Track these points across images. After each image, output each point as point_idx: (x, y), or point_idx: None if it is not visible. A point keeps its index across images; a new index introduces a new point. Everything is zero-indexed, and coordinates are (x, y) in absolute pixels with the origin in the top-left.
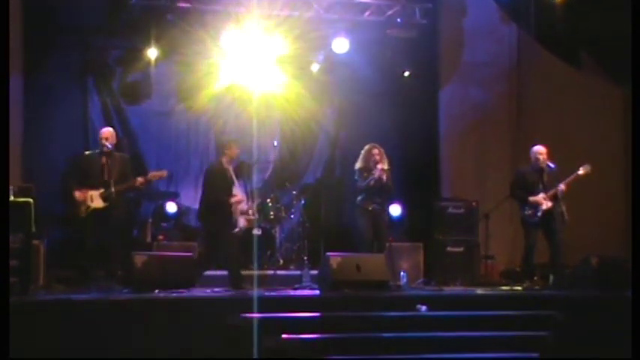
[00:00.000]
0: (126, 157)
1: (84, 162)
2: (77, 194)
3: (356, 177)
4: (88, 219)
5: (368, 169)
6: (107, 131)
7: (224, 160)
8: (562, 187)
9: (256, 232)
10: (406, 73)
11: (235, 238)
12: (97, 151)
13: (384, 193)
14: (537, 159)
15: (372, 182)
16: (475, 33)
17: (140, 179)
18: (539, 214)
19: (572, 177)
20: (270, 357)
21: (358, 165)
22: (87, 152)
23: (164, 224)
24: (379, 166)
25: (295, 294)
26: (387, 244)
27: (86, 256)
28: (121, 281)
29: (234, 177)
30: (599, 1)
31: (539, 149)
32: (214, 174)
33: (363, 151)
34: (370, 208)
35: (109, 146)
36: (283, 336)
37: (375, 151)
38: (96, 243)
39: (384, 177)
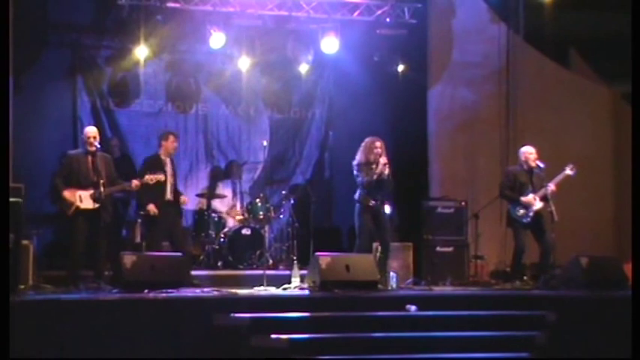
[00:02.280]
0: (109, 157)
1: (72, 162)
2: (66, 194)
3: (355, 172)
4: (77, 219)
5: (369, 163)
6: (94, 130)
7: (161, 151)
8: (552, 187)
9: (245, 232)
10: (400, 68)
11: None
12: (81, 150)
13: (384, 188)
14: (527, 159)
15: (374, 177)
16: (464, 33)
17: (136, 182)
18: (531, 214)
19: (560, 177)
20: (259, 357)
21: (358, 159)
22: (72, 152)
23: None
24: (382, 160)
25: (284, 294)
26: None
27: (74, 257)
28: (110, 281)
29: (169, 170)
30: (588, 0)
31: (529, 150)
32: (146, 162)
33: (363, 144)
34: (371, 204)
35: (98, 146)
36: (272, 336)
37: (378, 143)
38: (84, 243)
39: (386, 171)
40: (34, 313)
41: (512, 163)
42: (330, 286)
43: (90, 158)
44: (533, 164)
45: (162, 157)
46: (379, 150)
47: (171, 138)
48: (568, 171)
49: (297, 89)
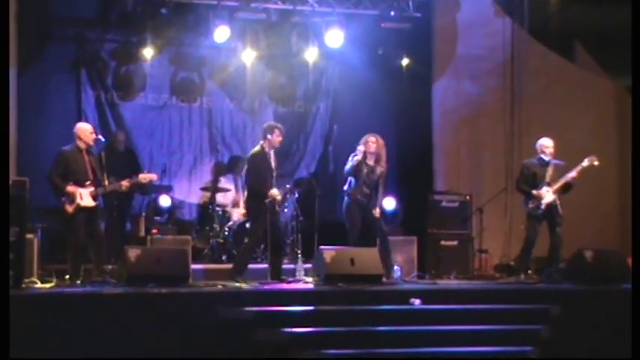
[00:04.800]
0: (97, 154)
1: (67, 159)
2: (70, 189)
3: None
4: (77, 217)
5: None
6: (92, 127)
7: (265, 144)
8: (573, 174)
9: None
10: (404, 62)
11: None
12: (75, 147)
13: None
14: (544, 152)
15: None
16: (469, 26)
17: (125, 183)
18: (543, 207)
19: (577, 168)
20: (264, 350)
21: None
22: (66, 148)
23: (158, 218)
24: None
25: (289, 287)
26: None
27: (75, 254)
28: (114, 275)
29: (274, 164)
30: None
31: (546, 142)
32: (254, 158)
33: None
34: (359, 198)
35: (92, 144)
36: (276, 329)
37: (372, 139)
38: (84, 241)
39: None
40: (38, 307)
41: (518, 156)
42: (335, 279)
43: (85, 156)
44: (548, 157)
45: (267, 150)
46: (372, 145)
47: (276, 132)
48: (585, 163)
49: (302, 83)
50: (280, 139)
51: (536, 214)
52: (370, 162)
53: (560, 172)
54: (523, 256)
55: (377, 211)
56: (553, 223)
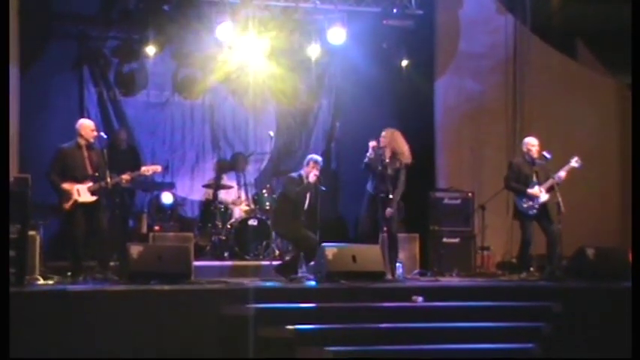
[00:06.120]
0: (99, 150)
1: (65, 156)
2: (66, 186)
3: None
4: (76, 213)
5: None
6: (93, 124)
7: (303, 173)
8: (562, 174)
9: (252, 222)
10: (404, 63)
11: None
12: (74, 143)
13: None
14: (529, 150)
15: (379, 167)
16: (471, 24)
17: (126, 176)
18: (537, 206)
19: (566, 168)
20: (266, 347)
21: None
22: (64, 145)
23: (160, 215)
24: (387, 152)
25: (291, 285)
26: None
27: (75, 251)
28: (116, 272)
29: (307, 195)
30: None
31: (532, 141)
32: (292, 180)
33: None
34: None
35: (93, 140)
36: (279, 327)
37: (382, 133)
38: (84, 237)
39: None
40: (40, 304)
41: (519, 154)
42: (337, 276)
43: (85, 152)
44: (536, 155)
45: (299, 178)
46: (382, 140)
47: (311, 164)
48: (573, 163)
49: (304, 80)
50: (314, 171)
51: (530, 214)
52: (386, 158)
53: (546, 171)
54: (522, 255)
55: (389, 211)
56: (546, 221)
